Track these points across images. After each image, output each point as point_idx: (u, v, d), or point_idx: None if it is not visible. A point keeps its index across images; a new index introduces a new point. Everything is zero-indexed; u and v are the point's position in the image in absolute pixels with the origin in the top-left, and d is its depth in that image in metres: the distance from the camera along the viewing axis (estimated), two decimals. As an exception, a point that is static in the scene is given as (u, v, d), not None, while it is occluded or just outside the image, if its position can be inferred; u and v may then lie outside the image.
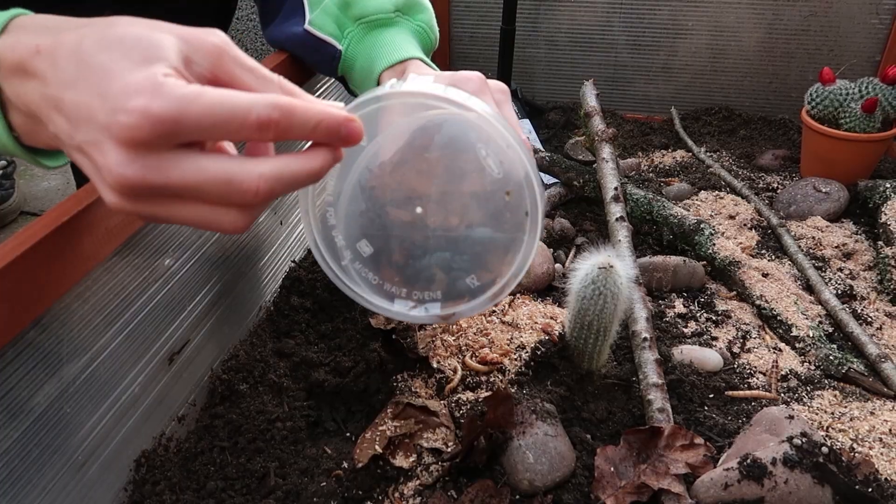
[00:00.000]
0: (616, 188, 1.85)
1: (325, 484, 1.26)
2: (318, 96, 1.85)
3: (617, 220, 1.77)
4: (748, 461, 1.18)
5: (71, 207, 1.01)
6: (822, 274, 1.81)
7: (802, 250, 1.87)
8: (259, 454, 1.33)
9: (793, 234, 1.94)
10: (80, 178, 2.02)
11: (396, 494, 1.27)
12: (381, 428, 1.36)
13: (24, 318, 0.94)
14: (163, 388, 1.30)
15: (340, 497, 1.25)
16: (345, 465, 1.32)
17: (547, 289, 1.78)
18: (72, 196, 1.04)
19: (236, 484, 1.28)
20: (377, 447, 1.30)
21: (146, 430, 1.28)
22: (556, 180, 2.13)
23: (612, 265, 1.31)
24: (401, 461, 1.29)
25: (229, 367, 1.46)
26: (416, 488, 1.27)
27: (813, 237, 1.94)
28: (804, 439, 1.19)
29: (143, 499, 1.24)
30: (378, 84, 1.27)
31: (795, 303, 1.67)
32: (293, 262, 1.80)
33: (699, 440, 1.27)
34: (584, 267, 1.35)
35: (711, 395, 1.46)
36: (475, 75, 1.12)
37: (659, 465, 1.24)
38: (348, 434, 1.43)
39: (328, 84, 1.89)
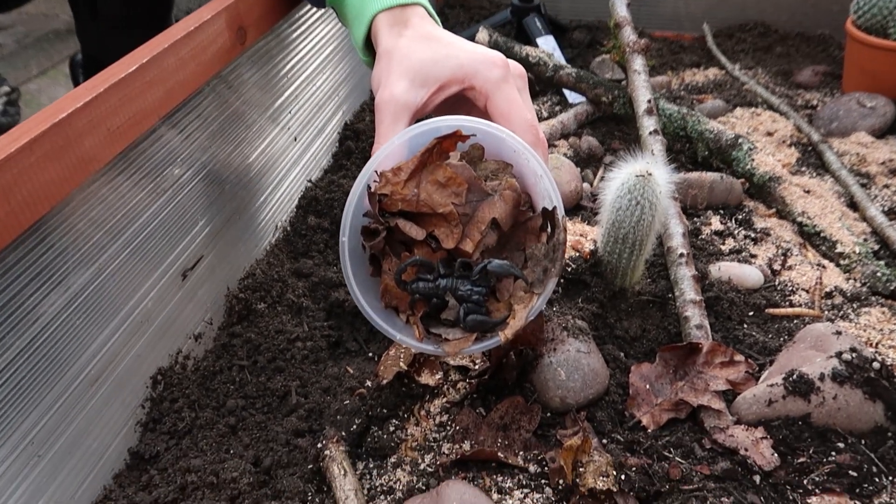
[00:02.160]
0: (649, 101, 1.80)
1: (348, 402, 1.24)
2: (304, 24, 1.83)
3: (650, 133, 1.72)
4: (794, 377, 1.15)
5: (69, 104, 0.98)
6: (868, 191, 1.76)
7: (846, 167, 1.82)
8: (279, 373, 1.32)
9: (835, 150, 1.89)
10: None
11: (422, 412, 1.25)
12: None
13: (23, 220, 0.92)
14: (177, 304, 1.29)
15: (364, 415, 1.23)
16: (368, 383, 1.30)
17: (575, 207, 1.74)
18: (69, 94, 1.01)
19: (257, 402, 1.27)
20: (402, 364, 1.27)
21: (161, 348, 1.26)
22: (583, 98, 2.09)
23: (651, 172, 1.26)
24: (426, 379, 1.27)
25: (246, 285, 1.44)
26: (443, 406, 1.24)
27: (857, 154, 1.89)
28: (854, 354, 1.16)
29: (161, 416, 1.23)
30: (371, 27, 1.21)
31: (840, 219, 1.63)
32: (309, 181, 1.78)
33: (739, 357, 1.24)
34: (620, 176, 1.30)
35: (751, 313, 1.42)
36: (499, 58, 1.12)
37: (697, 382, 1.21)
38: (370, 354, 1.41)
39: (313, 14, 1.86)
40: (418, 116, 1.12)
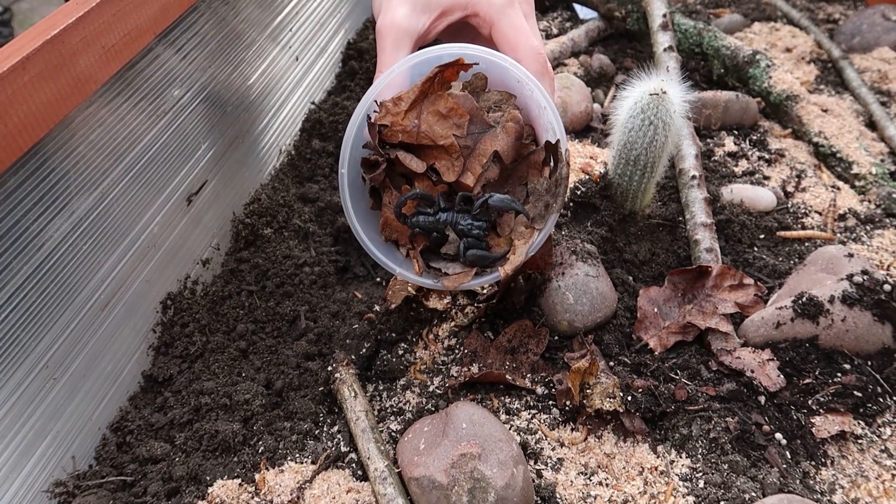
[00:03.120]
0: (664, 15, 1.81)
1: (357, 326, 1.29)
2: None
3: (665, 50, 1.74)
4: (803, 299, 1.19)
5: (61, 20, 0.98)
6: (888, 109, 1.78)
7: (866, 84, 1.84)
8: (288, 298, 1.36)
9: (856, 67, 1.91)
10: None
11: (430, 336, 1.29)
12: (413, 270, 1.38)
13: (21, 143, 0.93)
14: (183, 229, 1.32)
15: (373, 339, 1.28)
16: (376, 308, 1.34)
17: (585, 129, 1.76)
18: (61, 8, 1.02)
19: (267, 326, 1.32)
20: (410, 289, 1.31)
21: (170, 273, 1.30)
22: (595, 13, 2.09)
23: (665, 91, 1.27)
24: (434, 303, 1.31)
25: (252, 210, 1.47)
26: (451, 330, 1.29)
27: (878, 70, 1.90)
28: (865, 277, 1.19)
29: (172, 340, 1.27)
30: None
31: (857, 139, 1.64)
32: (312, 103, 1.79)
33: (749, 280, 1.27)
34: (633, 95, 1.31)
35: (762, 236, 1.46)
36: None
37: (706, 305, 1.25)
38: (378, 279, 1.45)
39: None
40: (420, 44, 1.13)
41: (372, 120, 1.06)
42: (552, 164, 1.10)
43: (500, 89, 1.10)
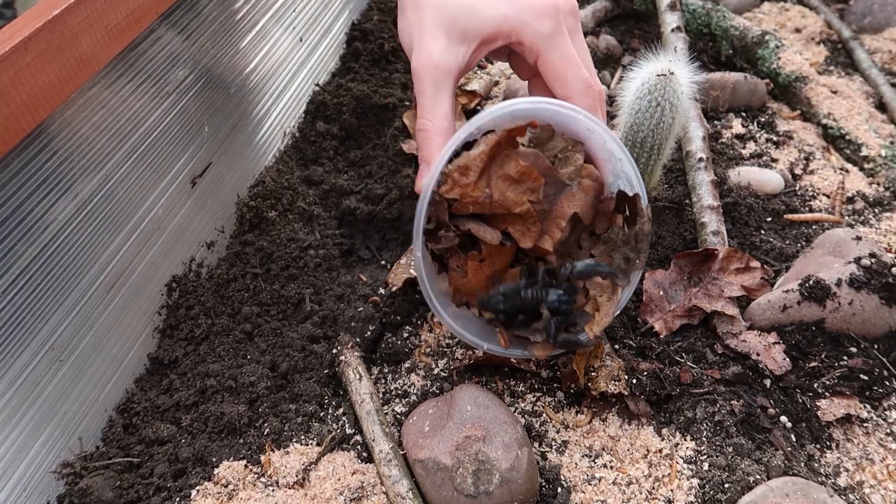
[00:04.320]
0: (672, -4, 1.81)
1: (361, 309, 1.30)
2: None
3: (673, 30, 1.74)
4: (810, 282, 1.20)
5: (62, 0, 0.98)
6: (897, 90, 1.78)
7: (877, 65, 1.84)
8: (293, 281, 1.37)
9: (866, 48, 1.91)
10: None
11: (436, 319, 1.30)
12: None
13: (24, 124, 0.93)
14: (188, 212, 1.33)
15: (378, 321, 1.29)
16: (381, 291, 1.35)
17: (592, 111, 1.75)
18: None
19: (272, 309, 1.33)
20: (412, 271, 1.32)
21: (175, 255, 1.31)
22: (602, -7, 2.09)
23: (673, 71, 1.27)
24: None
25: (256, 193, 1.48)
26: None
27: (889, 51, 1.90)
28: (873, 260, 1.20)
29: (177, 323, 1.28)
30: None
31: (867, 121, 1.65)
32: (317, 85, 1.80)
33: (755, 263, 1.28)
34: (640, 76, 1.31)
35: (769, 219, 1.46)
36: (548, 5, 1.04)
37: (712, 288, 1.26)
38: (383, 262, 1.47)
39: None
40: (462, 76, 1.07)
41: (438, 195, 1.00)
42: (628, 214, 1.08)
43: (564, 135, 1.05)
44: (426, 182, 0.99)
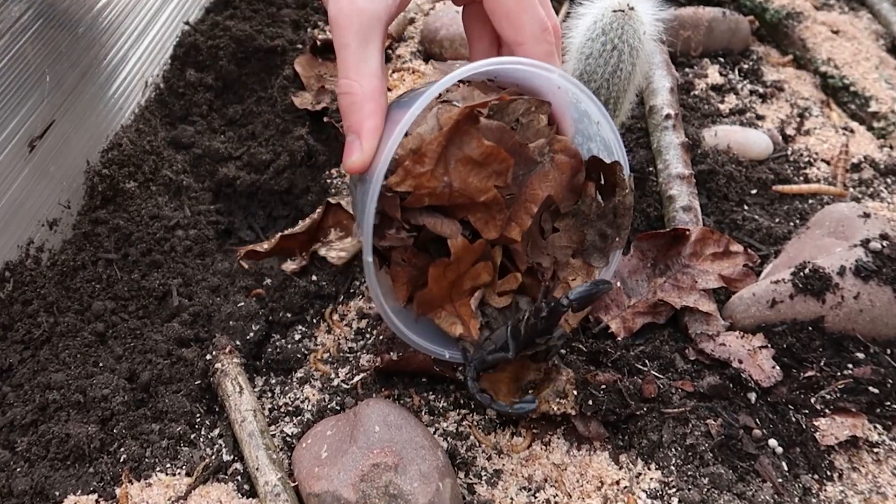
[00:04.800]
0: None
1: (242, 304, 1.30)
2: None
3: (633, -44, 1.75)
4: (806, 271, 1.21)
5: None
6: (914, 31, 1.80)
7: None
8: (157, 269, 1.36)
9: (875, -24, 1.93)
10: None
11: (335, 316, 1.31)
12: (312, 235, 1.38)
13: None
14: (24, 183, 1.31)
15: (263, 319, 1.29)
16: (267, 281, 1.35)
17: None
18: None
19: (130, 305, 1.32)
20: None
21: (7, 237, 1.29)
22: None
23: (632, 6, 1.27)
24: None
25: (111, 159, 1.46)
26: (361, 309, 1.31)
27: (903, -18, 1.92)
28: (884, 242, 1.21)
29: (11, 321, 1.27)
30: None
31: (876, 68, 1.66)
32: (186, 24, 1.78)
33: (737, 247, 1.29)
34: (592, 12, 1.31)
35: (754, 191, 1.48)
36: None
37: (682, 279, 1.27)
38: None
39: None
40: (392, 21, 1.06)
41: (388, 190, 1.00)
42: (602, 183, 1.09)
43: (523, 94, 1.06)
44: (377, 171, 0.97)
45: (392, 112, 1.01)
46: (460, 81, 1.04)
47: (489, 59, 1.00)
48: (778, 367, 1.18)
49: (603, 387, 1.15)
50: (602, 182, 1.09)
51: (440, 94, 1.01)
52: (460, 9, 1.15)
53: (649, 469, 1.11)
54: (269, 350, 1.26)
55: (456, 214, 1.05)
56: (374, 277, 1.01)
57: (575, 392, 1.13)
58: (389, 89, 1.67)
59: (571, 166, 1.05)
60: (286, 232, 1.38)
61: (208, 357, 1.22)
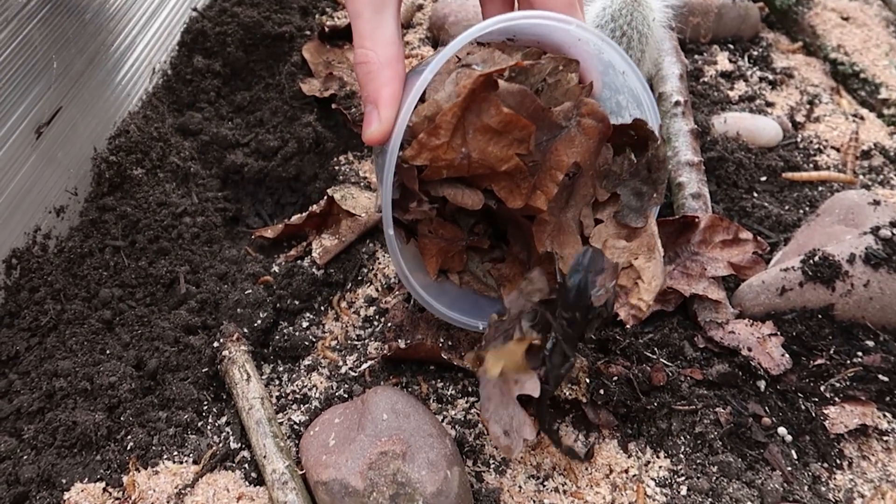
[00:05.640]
0: None
1: (250, 292, 1.29)
2: None
3: (643, -57, 1.74)
4: (816, 258, 1.20)
5: None
6: (925, 17, 1.79)
7: (898, -14, 1.85)
8: (164, 256, 1.35)
9: (886, -37, 1.92)
10: None
11: (343, 304, 1.30)
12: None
13: None
14: (31, 169, 1.30)
15: (271, 307, 1.29)
16: (275, 268, 1.35)
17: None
18: None
19: (137, 292, 1.31)
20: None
21: (15, 224, 1.28)
22: None
23: None
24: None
25: (118, 146, 1.45)
26: (369, 296, 1.30)
27: (913, -32, 1.91)
28: (895, 230, 1.21)
29: (19, 308, 1.26)
30: None
31: (886, 55, 1.66)
32: (194, 10, 1.77)
33: (746, 234, 1.29)
34: None
35: (764, 178, 1.47)
36: None
37: (691, 266, 1.26)
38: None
39: None
40: None
41: (403, 160, 0.99)
42: (636, 140, 1.07)
43: (546, 52, 1.04)
44: (392, 143, 0.97)
45: (409, 81, 1.00)
46: (479, 43, 1.02)
47: (502, 16, 0.97)
48: (787, 355, 1.17)
49: (615, 378, 1.15)
50: (636, 139, 1.06)
51: (459, 59, 1.00)
52: None
53: (658, 457, 1.10)
54: (277, 338, 1.26)
55: (478, 184, 1.03)
56: (397, 250, 1.01)
57: (587, 380, 1.13)
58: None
59: (599, 131, 1.01)
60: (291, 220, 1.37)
61: (216, 344, 1.21)
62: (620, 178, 1.06)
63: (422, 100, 0.98)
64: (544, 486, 1.08)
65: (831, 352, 1.18)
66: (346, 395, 1.17)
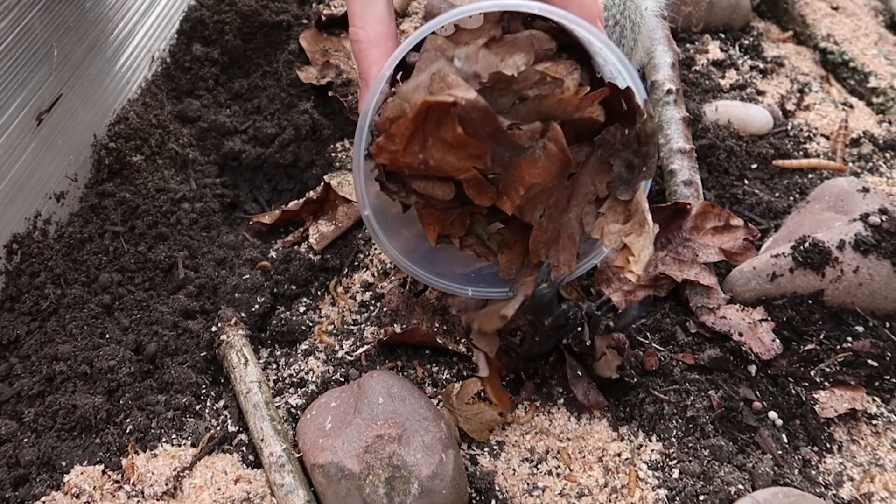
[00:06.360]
0: None
1: (248, 277, 1.29)
2: None
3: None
4: (806, 245, 1.21)
5: None
6: (915, 7, 1.79)
7: (888, -26, 1.85)
8: (163, 241, 1.35)
9: (875, -49, 1.92)
10: None
11: (339, 289, 1.30)
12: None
13: None
14: (32, 155, 1.30)
15: (268, 292, 1.29)
16: (272, 254, 1.35)
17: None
18: None
19: (136, 277, 1.31)
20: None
21: (15, 210, 1.28)
22: None
23: None
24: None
25: (117, 132, 1.44)
26: (365, 281, 1.30)
27: (903, -43, 1.91)
28: (884, 217, 1.21)
29: (19, 293, 1.26)
30: None
31: (875, 44, 1.66)
32: (193, -3, 1.77)
33: (737, 221, 1.29)
34: None
35: (755, 166, 1.47)
36: None
37: (683, 252, 1.27)
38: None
39: None
40: None
41: (370, 153, 1.00)
42: (625, 111, 1.04)
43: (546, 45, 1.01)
44: (361, 128, 0.99)
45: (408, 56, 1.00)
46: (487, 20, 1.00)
47: (476, 5, 0.95)
48: (778, 340, 1.17)
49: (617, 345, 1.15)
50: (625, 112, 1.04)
51: (461, 30, 0.99)
52: None
53: (650, 441, 1.10)
54: (274, 322, 1.26)
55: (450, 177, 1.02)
56: (377, 228, 1.03)
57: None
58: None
59: (560, 160, 0.99)
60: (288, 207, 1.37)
61: (214, 329, 1.22)
62: (615, 147, 1.05)
63: (407, 76, 0.99)
64: (538, 468, 1.08)
65: (821, 337, 1.18)
66: (342, 379, 1.17)
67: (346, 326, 1.25)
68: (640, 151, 1.02)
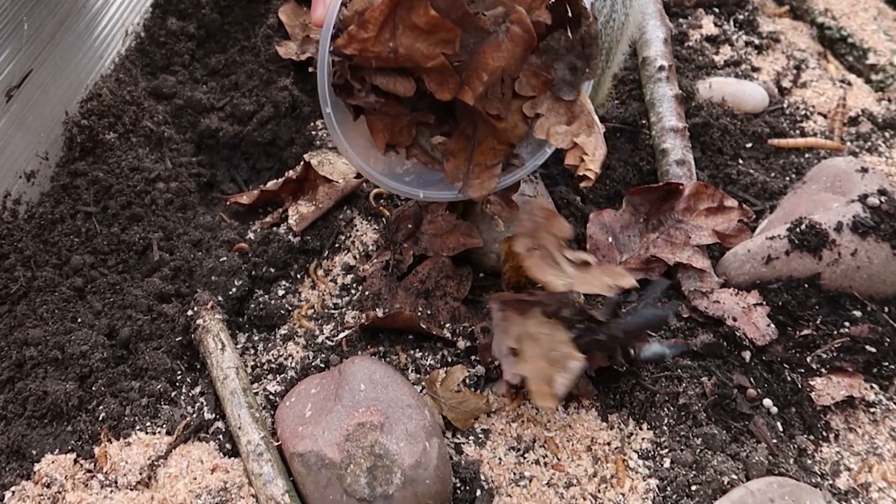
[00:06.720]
0: None
1: (224, 259, 1.28)
2: None
3: None
4: (803, 227, 1.20)
5: None
6: (915, -20, 1.79)
7: (888, -54, 1.85)
8: (137, 222, 1.34)
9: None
10: None
11: (320, 272, 1.29)
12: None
13: None
14: (1, 134, 1.29)
15: (246, 274, 1.28)
16: (250, 235, 1.34)
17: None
18: None
19: (109, 259, 1.30)
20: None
21: (-16, 190, 1.27)
22: None
23: None
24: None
25: (90, 109, 1.43)
26: (346, 264, 1.29)
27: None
28: (883, 198, 1.20)
29: (-12, 278, 1.25)
30: None
31: (875, 19, 1.65)
32: (169, -31, 1.75)
33: (731, 202, 1.28)
34: None
35: (749, 145, 1.47)
36: None
37: (675, 234, 1.26)
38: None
39: None
40: None
41: (336, 47, 1.03)
42: (570, 16, 1.07)
43: None
44: (324, 28, 1.01)
45: None
46: None
47: None
48: (773, 325, 1.17)
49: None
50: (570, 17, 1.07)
51: None
52: None
53: (640, 429, 1.10)
54: (252, 306, 1.25)
55: (411, 73, 1.06)
56: (336, 126, 1.07)
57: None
58: None
59: (525, 41, 1.04)
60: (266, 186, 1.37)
61: (189, 313, 1.21)
62: (558, 53, 1.07)
63: None
64: (525, 458, 1.07)
65: (818, 322, 1.18)
66: (322, 365, 1.17)
67: (326, 310, 1.25)
68: (583, 54, 1.06)
